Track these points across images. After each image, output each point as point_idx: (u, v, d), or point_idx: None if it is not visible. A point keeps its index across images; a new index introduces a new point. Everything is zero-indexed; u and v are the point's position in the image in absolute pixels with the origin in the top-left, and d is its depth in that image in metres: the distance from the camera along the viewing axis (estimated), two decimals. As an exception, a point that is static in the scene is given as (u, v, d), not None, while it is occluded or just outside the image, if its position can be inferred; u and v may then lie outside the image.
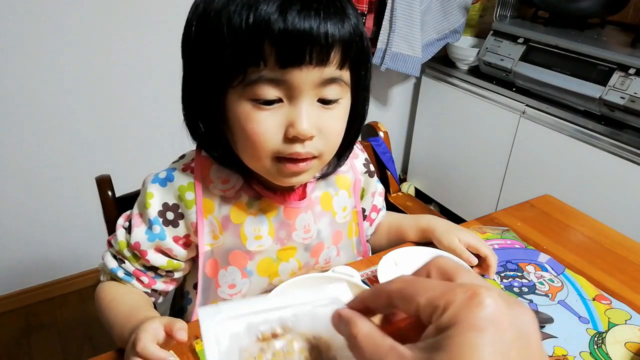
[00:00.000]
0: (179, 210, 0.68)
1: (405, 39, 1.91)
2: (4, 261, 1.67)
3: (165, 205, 0.68)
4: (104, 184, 0.86)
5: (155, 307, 0.72)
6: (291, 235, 0.71)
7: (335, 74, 0.57)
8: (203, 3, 0.58)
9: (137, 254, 0.68)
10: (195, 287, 0.71)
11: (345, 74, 0.59)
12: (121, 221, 0.71)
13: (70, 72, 1.52)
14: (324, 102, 0.59)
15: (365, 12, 1.88)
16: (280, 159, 0.60)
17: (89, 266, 1.81)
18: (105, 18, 1.51)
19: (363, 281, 0.68)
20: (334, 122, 0.60)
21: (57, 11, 1.43)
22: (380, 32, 1.91)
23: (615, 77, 1.49)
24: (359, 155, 0.83)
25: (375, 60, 1.95)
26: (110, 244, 0.72)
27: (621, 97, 1.46)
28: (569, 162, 1.65)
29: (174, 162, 0.73)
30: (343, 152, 0.71)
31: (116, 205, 0.86)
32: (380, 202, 0.88)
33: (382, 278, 0.66)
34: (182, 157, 0.73)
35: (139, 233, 0.67)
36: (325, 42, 0.54)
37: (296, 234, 0.71)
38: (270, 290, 0.69)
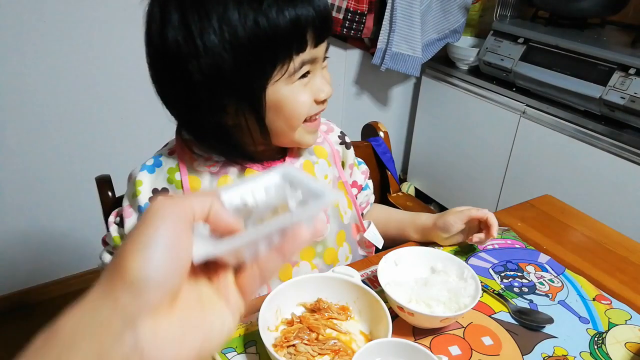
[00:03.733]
0: (169, 193, 0.70)
1: (405, 38, 1.91)
2: (4, 261, 1.67)
3: (154, 190, 0.69)
4: (103, 184, 0.86)
5: None
6: None
7: None
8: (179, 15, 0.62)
9: None
10: None
11: None
12: (112, 218, 0.72)
13: (70, 71, 1.52)
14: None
15: (365, 12, 1.88)
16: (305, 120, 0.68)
17: (89, 266, 1.81)
18: (106, 18, 1.50)
19: (363, 281, 0.68)
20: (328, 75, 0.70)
21: (56, 11, 1.43)
22: (381, 32, 1.91)
23: (616, 77, 1.49)
24: (334, 129, 0.87)
25: (375, 60, 1.95)
26: (105, 242, 0.73)
27: (621, 97, 1.46)
28: (569, 162, 1.65)
29: (159, 151, 0.74)
30: None
31: (116, 205, 0.86)
32: (361, 179, 0.89)
33: (382, 278, 0.66)
34: (166, 145, 0.76)
35: (132, 222, 0.69)
36: (326, 11, 0.63)
37: None
38: None
